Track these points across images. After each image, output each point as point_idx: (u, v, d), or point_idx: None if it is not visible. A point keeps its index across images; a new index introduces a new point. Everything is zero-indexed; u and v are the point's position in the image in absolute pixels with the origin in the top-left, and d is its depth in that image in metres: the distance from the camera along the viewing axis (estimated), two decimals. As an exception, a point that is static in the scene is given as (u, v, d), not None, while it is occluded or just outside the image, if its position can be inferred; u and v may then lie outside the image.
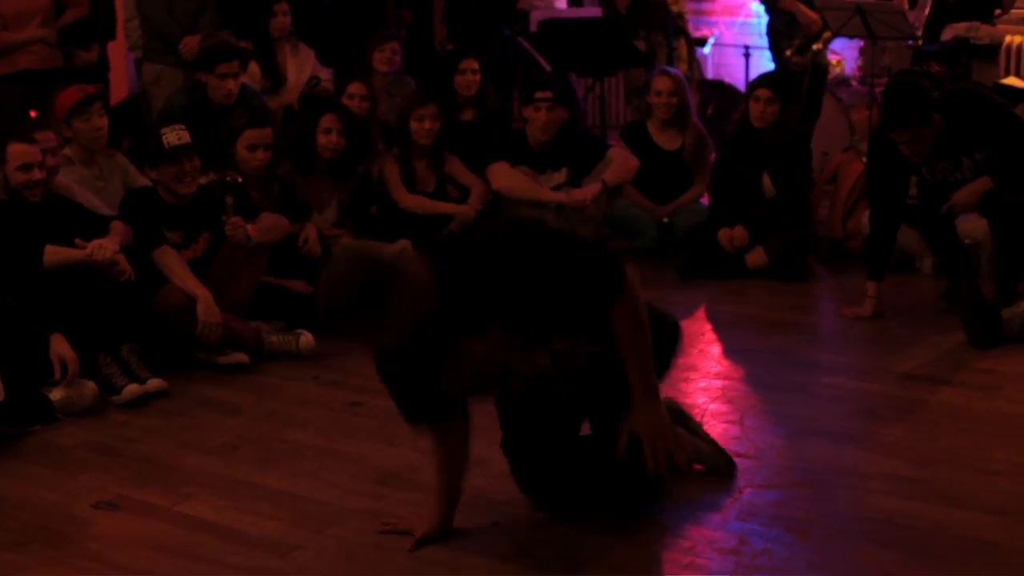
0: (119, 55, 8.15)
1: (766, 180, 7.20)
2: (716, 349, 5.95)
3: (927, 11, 8.63)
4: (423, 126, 6.94)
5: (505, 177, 7.09)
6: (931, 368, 5.47)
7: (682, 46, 9.74)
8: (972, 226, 6.53)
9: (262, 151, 6.20)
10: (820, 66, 8.91)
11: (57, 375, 5.11)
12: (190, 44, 7.41)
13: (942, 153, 5.88)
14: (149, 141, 5.95)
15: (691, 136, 7.64)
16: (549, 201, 7.01)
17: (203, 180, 5.97)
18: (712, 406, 5.08)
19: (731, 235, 7.06)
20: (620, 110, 10.85)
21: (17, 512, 4.26)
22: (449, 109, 7.31)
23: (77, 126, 6.06)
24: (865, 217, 6.98)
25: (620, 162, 7.21)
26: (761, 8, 9.51)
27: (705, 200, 7.62)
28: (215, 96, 6.89)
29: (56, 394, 5.10)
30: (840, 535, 3.92)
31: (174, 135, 5.75)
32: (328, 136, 6.61)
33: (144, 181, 6.06)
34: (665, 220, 7.47)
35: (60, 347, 5.15)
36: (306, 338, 5.81)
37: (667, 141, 7.62)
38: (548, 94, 7.14)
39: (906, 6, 8.95)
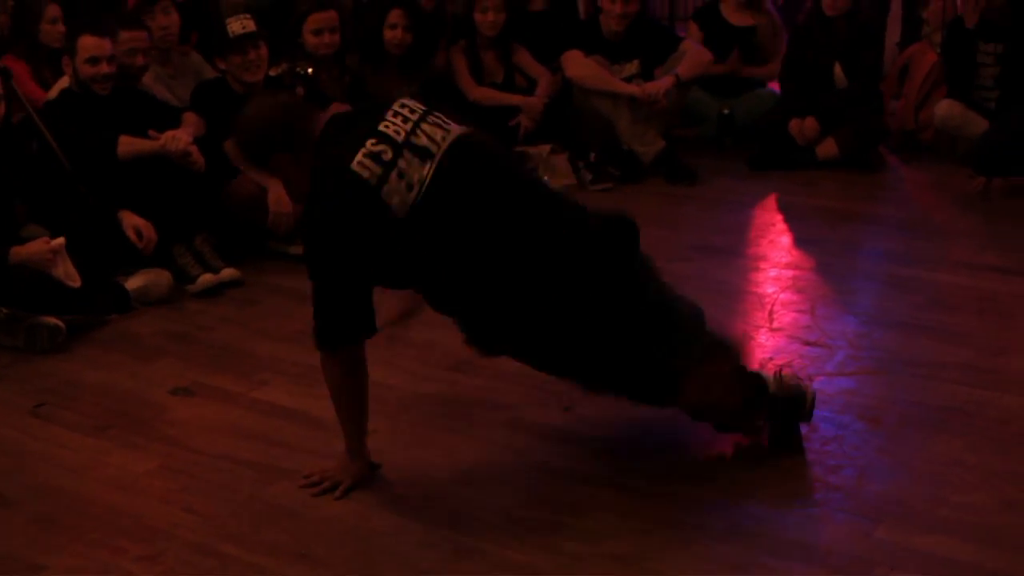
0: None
1: (837, 70, 7.11)
2: (786, 239, 5.92)
3: None
4: (487, 18, 6.91)
5: (579, 66, 7.01)
6: (1003, 259, 5.42)
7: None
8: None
9: (328, 34, 6.21)
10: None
11: (137, 243, 5.18)
12: None
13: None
14: (215, 31, 5.96)
15: (764, 20, 7.58)
16: (622, 93, 6.95)
17: (273, 71, 5.98)
18: (783, 295, 5.07)
19: (802, 126, 7.00)
20: (689, 1, 10.69)
21: (97, 398, 4.34)
22: (518, 0, 7.25)
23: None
24: (939, 108, 6.93)
25: (693, 56, 7.09)
26: None
27: (775, 88, 7.55)
28: None
29: (132, 283, 5.17)
30: (911, 423, 3.92)
31: (238, 24, 5.73)
32: (394, 32, 6.61)
33: (217, 79, 6.07)
34: (725, 111, 7.42)
35: (131, 219, 5.22)
36: (376, 228, 5.83)
37: (740, 19, 7.55)
38: None
39: None
